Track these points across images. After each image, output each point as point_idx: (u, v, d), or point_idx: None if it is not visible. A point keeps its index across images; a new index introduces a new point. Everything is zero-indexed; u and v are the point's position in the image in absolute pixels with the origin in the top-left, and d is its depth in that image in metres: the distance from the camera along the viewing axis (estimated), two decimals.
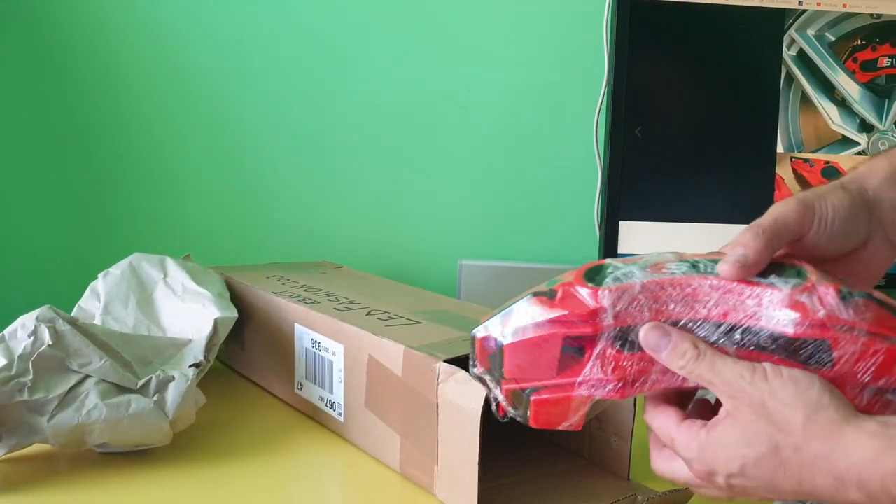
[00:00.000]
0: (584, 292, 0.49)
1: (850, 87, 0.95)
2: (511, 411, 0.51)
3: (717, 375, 0.47)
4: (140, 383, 0.65)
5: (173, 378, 0.66)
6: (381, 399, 0.66)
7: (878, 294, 0.48)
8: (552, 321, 0.49)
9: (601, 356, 0.48)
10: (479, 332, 0.52)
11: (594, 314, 0.48)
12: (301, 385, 0.77)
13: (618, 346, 0.48)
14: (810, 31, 0.95)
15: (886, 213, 0.56)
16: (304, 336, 0.75)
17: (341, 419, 0.71)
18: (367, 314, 0.73)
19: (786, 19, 0.95)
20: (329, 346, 0.71)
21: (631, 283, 0.48)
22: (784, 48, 0.95)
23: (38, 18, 1.05)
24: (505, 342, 0.50)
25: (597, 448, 0.66)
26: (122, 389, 0.65)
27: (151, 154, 1.10)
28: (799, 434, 0.45)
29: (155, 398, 0.65)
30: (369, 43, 1.14)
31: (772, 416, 0.46)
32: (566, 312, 0.49)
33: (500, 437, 0.71)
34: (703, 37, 0.96)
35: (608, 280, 0.49)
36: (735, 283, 0.48)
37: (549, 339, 0.49)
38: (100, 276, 0.82)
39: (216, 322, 0.74)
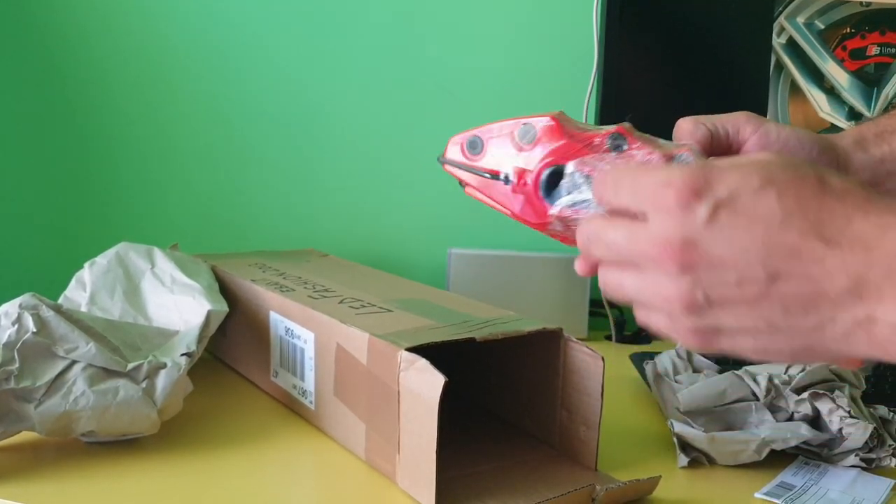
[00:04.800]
0: (535, 204, 0.54)
1: (839, 76, 0.94)
2: None
3: None
4: (130, 367, 0.64)
5: (165, 365, 0.66)
6: (348, 387, 0.66)
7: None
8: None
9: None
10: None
11: (543, 216, 0.54)
12: (276, 373, 0.77)
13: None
14: (800, 19, 0.94)
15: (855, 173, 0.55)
16: (278, 324, 0.75)
17: (312, 407, 0.71)
18: (340, 302, 0.72)
19: (776, 7, 0.94)
20: (301, 333, 0.71)
21: (585, 212, 0.51)
22: (774, 36, 0.94)
23: (19, 10, 1.05)
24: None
25: (566, 438, 0.66)
26: (110, 374, 0.64)
27: (138, 142, 1.10)
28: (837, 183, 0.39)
29: (144, 384, 0.65)
30: (356, 30, 1.14)
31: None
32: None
33: (472, 429, 0.71)
34: (694, 24, 0.95)
35: (563, 200, 0.52)
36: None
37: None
38: (86, 265, 0.81)
39: (209, 314, 0.73)
